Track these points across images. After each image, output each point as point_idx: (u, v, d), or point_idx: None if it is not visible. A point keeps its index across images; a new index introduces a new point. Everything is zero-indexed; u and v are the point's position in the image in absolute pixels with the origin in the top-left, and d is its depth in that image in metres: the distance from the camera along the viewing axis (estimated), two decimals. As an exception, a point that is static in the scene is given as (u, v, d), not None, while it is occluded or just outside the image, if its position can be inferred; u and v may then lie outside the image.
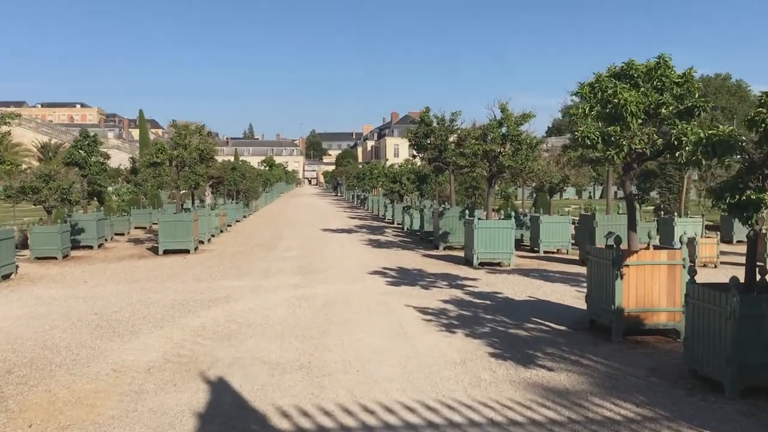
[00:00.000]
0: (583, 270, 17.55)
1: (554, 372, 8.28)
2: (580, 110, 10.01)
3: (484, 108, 17.84)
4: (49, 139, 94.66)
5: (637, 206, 30.44)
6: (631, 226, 10.50)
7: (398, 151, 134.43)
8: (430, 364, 8.60)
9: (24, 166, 31.20)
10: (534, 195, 39.31)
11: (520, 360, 8.79)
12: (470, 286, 14.90)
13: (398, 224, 35.45)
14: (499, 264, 18.44)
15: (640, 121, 9.49)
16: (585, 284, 15.17)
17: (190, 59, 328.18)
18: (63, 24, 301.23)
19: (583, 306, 12.37)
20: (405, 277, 16.43)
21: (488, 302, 12.99)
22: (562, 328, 10.80)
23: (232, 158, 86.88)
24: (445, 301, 12.98)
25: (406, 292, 14.06)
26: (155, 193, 38.77)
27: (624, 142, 9.60)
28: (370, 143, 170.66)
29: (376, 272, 17.25)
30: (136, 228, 33.23)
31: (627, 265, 9.90)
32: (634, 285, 9.97)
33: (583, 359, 8.87)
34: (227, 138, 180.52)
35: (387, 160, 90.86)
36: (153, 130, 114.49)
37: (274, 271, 17.72)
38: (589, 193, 76.42)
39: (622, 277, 9.89)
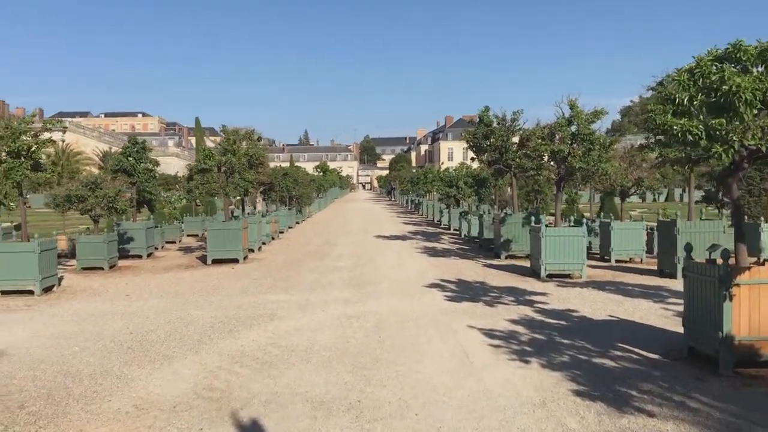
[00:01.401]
0: (664, 283, 15.84)
1: (657, 419, 6.75)
2: (677, 101, 8.42)
3: (552, 105, 16.18)
4: (110, 147, 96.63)
5: (717, 211, 28.17)
6: (739, 237, 8.86)
7: (452, 154, 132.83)
8: (503, 406, 7.17)
9: (84, 174, 30.91)
10: (600, 198, 37.24)
11: (612, 401, 7.28)
12: (540, 303, 13.36)
13: (455, 230, 33.95)
14: (569, 276, 16.81)
15: (755, 111, 7.87)
16: (670, 300, 13.54)
17: (248, 68, 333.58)
18: (126, 36, 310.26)
19: (674, 327, 10.78)
20: (466, 291, 14.99)
21: (563, 323, 11.45)
22: (655, 356, 9.20)
23: (287, 164, 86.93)
24: (514, 322, 11.50)
25: (468, 310, 12.63)
26: (209, 200, 38.31)
27: (734, 137, 7.98)
28: (423, 147, 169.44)
29: (433, 285, 15.87)
30: (188, 236, 32.71)
31: (737, 284, 8.26)
32: (747, 308, 8.32)
33: (689, 400, 7.30)
34: (283, 145, 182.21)
35: (442, 163, 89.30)
36: (211, 138, 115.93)
37: (324, 283, 16.52)
38: (654, 196, 73.13)
39: (731, 299, 8.26)
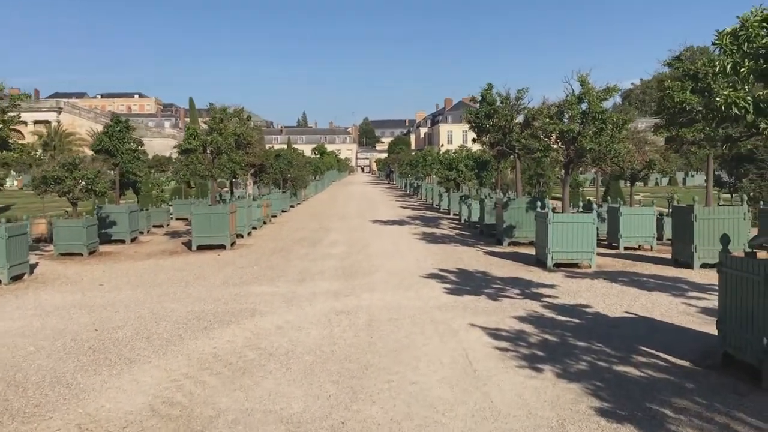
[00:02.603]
0: (681, 273, 14.70)
1: (700, 448, 5.61)
2: (718, 67, 7.19)
3: (556, 88, 14.92)
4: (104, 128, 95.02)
5: (730, 196, 26.96)
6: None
7: (452, 137, 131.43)
8: (515, 429, 6.02)
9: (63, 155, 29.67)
10: (603, 182, 36.06)
11: (643, 423, 6.13)
12: (549, 296, 12.19)
13: (455, 215, 32.75)
14: (577, 265, 15.65)
15: (815, 79, 6.65)
16: (691, 294, 12.39)
17: (245, 50, 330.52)
18: (122, 16, 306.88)
19: (700, 327, 9.68)
20: (467, 282, 13.83)
21: (576, 320, 10.29)
22: (684, 363, 8.05)
23: (285, 146, 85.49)
24: (521, 319, 10.34)
25: (470, 305, 11.45)
26: (202, 183, 37.05)
27: (789, 111, 6.77)
28: (423, 130, 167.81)
29: (431, 275, 14.70)
30: (177, 219, 31.47)
31: (786, 283, 7.09)
32: (796, 310, 7.16)
33: (733, 422, 6.16)
34: (281, 126, 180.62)
35: (442, 145, 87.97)
36: (206, 120, 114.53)
37: (314, 273, 15.35)
38: (656, 180, 71.71)
39: (778, 300, 7.09)
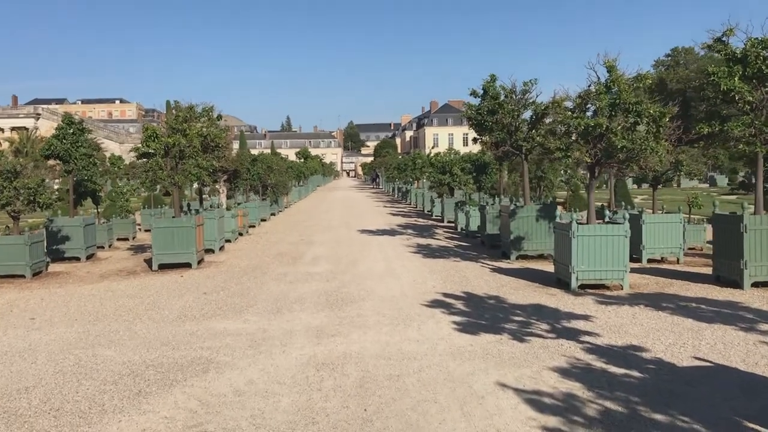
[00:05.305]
0: (732, 296, 12.17)
1: None
2: None
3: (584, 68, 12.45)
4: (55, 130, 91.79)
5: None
6: None
7: (438, 140, 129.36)
8: None
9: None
10: (596, 185, 33.65)
11: None
12: (587, 333, 9.62)
13: (449, 222, 30.23)
14: (605, 286, 13.16)
15: None
16: (763, 326, 9.86)
17: (229, 54, 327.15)
18: (104, 21, 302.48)
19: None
20: (480, 312, 11.23)
21: (636, 374, 7.72)
22: (822, 452, 5.53)
23: (269, 151, 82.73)
24: (564, 372, 7.74)
25: (491, 350, 8.83)
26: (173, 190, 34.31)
27: None
28: (408, 133, 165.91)
29: (434, 303, 12.10)
30: (147, 231, 28.66)
31: None
32: None
33: None
34: (265, 131, 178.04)
35: (433, 147, 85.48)
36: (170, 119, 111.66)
37: (292, 300, 12.69)
38: (667, 181, 69.35)
39: None
